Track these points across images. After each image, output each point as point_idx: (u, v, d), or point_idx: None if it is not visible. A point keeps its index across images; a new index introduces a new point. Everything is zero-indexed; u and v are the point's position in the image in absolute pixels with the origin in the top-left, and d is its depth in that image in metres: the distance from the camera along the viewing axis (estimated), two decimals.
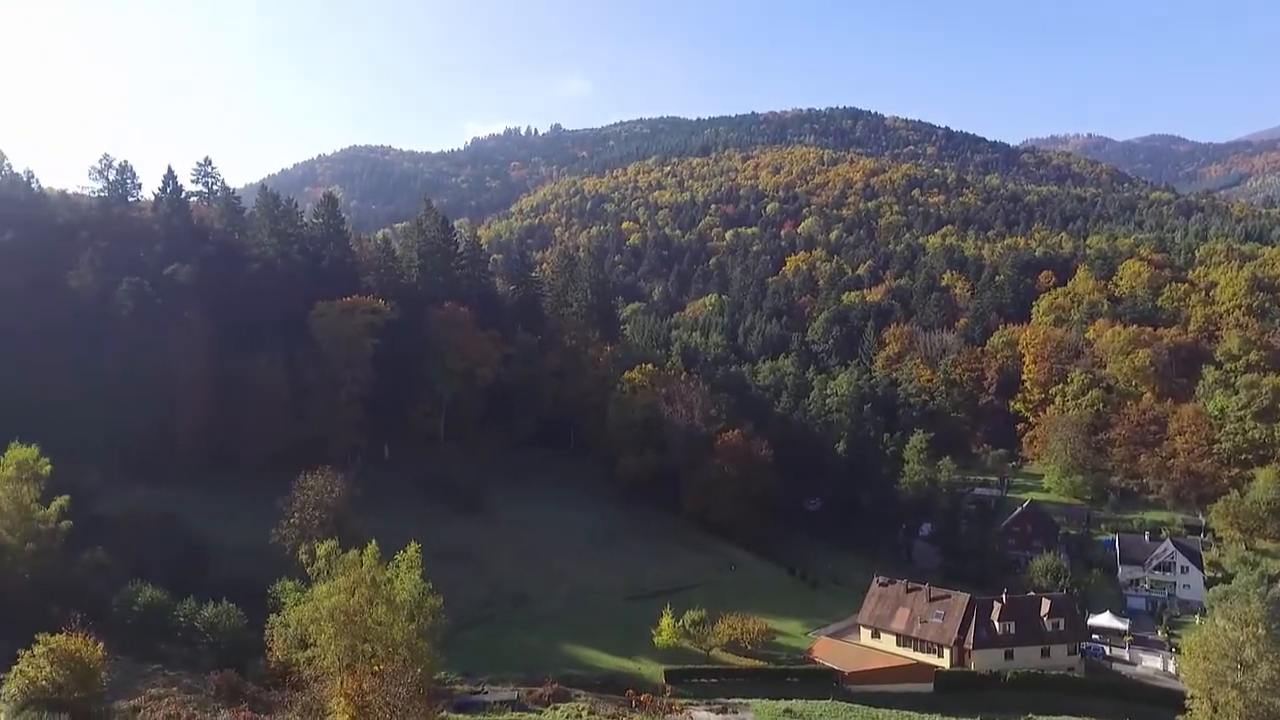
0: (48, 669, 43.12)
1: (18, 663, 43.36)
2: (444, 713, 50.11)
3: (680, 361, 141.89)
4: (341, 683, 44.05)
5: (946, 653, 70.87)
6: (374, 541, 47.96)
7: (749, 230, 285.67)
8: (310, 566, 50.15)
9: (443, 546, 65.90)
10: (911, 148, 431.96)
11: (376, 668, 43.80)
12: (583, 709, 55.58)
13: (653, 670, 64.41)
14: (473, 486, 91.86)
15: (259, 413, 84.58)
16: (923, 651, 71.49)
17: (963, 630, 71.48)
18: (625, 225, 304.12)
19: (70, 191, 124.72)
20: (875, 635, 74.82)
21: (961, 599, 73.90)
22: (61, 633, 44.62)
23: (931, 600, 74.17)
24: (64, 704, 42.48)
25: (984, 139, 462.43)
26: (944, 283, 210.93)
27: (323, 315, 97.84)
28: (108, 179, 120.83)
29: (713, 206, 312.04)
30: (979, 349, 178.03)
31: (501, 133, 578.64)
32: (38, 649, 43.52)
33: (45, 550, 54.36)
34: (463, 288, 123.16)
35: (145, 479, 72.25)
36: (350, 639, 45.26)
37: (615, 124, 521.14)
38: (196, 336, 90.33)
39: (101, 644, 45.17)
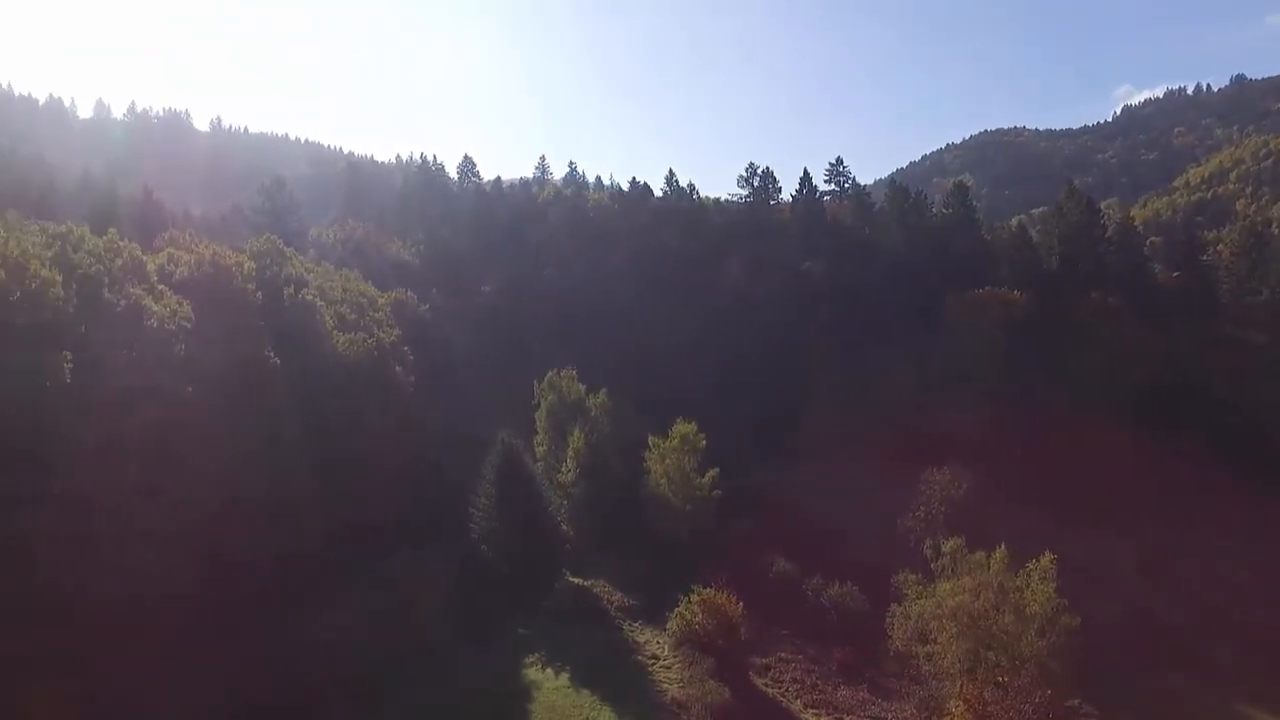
0: (700, 616, 52.56)
1: (678, 606, 53.85)
2: None
3: None
4: (961, 687, 44.31)
5: None
6: (1002, 545, 47.28)
7: None
8: (934, 562, 51.70)
9: (1072, 559, 61.10)
10: None
11: (1000, 679, 43.03)
12: None
13: None
14: (1114, 496, 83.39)
15: (883, 404, 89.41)
16: None
17: None
18: None
19: (723, 199, 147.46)
20: None
21: None
22: (710, 587, 54.01)
23: None
24: (711, 648, 51.27)
25: None
26: None
27: (952, 308, 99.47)
28: (752, 185, 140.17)
29: None
30: None
31: (1160, 95, 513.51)
32: (693, 598, 53.54)
33: (700, 513, 65.28)
34: (1111, 275, 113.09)
35: (778, 458, 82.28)
36: (973, 643, 45.22)
37: None
38: (826, 329, 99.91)
39: (742, 604, 53.44)
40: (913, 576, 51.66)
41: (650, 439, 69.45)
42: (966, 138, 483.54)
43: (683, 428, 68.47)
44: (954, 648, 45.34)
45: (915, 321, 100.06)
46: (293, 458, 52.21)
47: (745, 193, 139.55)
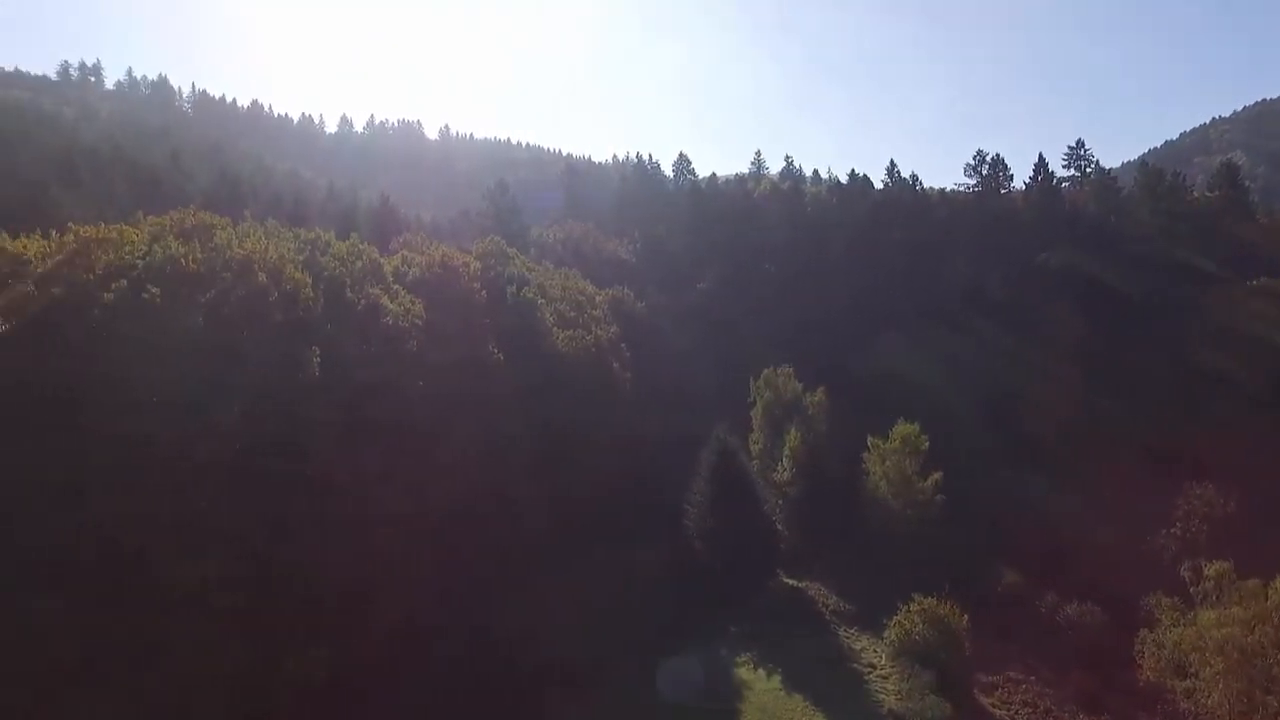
0: (920, 626, 50.19)
1: (897, 614, 51.72)
2: None
3: None
4: None
5: None
6: None
7: None
8: (1194, 586, 46.77)
9: None
10: None
11: None
12: None
13: None
14: None
15: (1129, 409, 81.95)
16: None
17: None
18: None
19: (948, 190, 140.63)
20: None
21: None
22: (931, 596, 51.47)
23: None
24: (932, 660, 48.72)
25: None
26: None
27: (1215, 303, 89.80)
28: (980, 173, 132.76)
29: None
30: None
31: None
32: (913, 606, 51.25)
33: (922, 518, 62.37)
34: None
35: (1009, 465, 77.13)
36: (1245, 683, 40.46)
37: None
38: (1064, 324, 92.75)
39: (966, 616, 50.56)
40: (1167, 601, 46.90)
41: (869, 439, 67.32)
42: (1238, 110, 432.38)
43: (904, 428, 65.86)
44: (1221, 686, 40.72)
45: (1169, 319, 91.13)
46: (514, 450, 54.64)
47: (973, 182, 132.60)
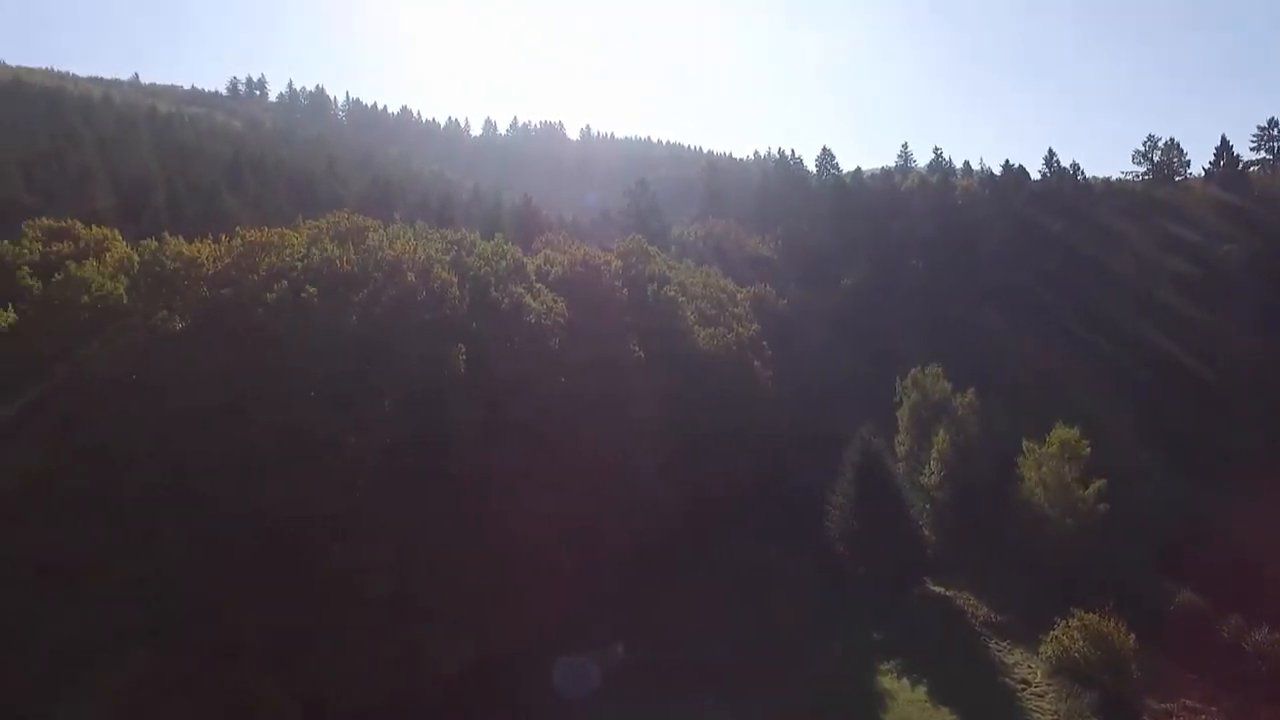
0: (1081, 643, 47.52)
1: (1054, 629, 49.13)
2: None
3: None
4: None
5: None
6: None
7: None
8: None
9: None
10: None
11: None
12: None
13: None
14: None
15: None
16: None
17: None
18: None
19: (1114, 178, 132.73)
20: None
21: None
22: (1092, 611, 48.58)
23: None
24: (1093, 681, 45.97)
25: None
26: None
27: None
28: (1151, 160, 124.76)
29: None
30: None
31: None
32: (1073, 622, 48.57)
33: (1082, 528, 58.93)
34: None
35: (1183, 475, 71.90)
36: None
37: None
38: (1251, 326, 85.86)
39: (1133, 635, 47.41)
40: None
41: (1024, 443, 64.24)
42: None
43: (1063, 432, 62.51)
44: None
45: None
46: (653, 448, 54.98)
47: (1142, 170, 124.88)
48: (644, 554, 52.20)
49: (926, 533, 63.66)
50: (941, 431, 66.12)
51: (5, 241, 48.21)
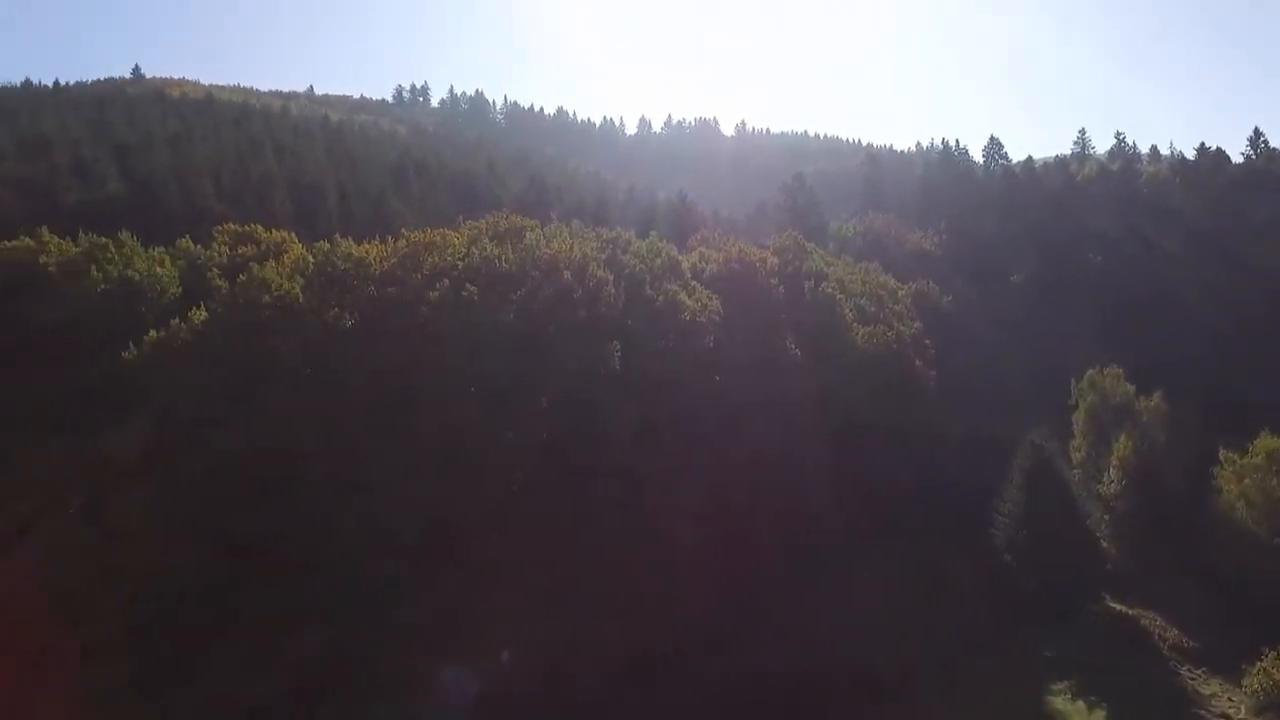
0: None
1: (1261, 659, 45.18)
2: None
3: None
4: None
5: None
6: None
7: None
8: None
9: None
10: None
11: None
12: None
13: None
14: None
15: None
16: None
17: None
18: None
19: None
20: None
21: None
22: None
23: None
24: None
25: None
26: None
27: None
28: None
29: None
30: None
31: None
32: None
33: None
34: None
35: None
36: None
37: None
38: None
39: None
40: None
41: (1221, 453, 59.69)
42: None
43: (1271, 442, 57.74)
44: None
45: None
46: (810, 449, 54.29)
47: None
48: (799, 556, 51.51)
49: (1104, 545, 60.03)
50: (1123, 437, 62.22)
51: (199, 246, 52.63)
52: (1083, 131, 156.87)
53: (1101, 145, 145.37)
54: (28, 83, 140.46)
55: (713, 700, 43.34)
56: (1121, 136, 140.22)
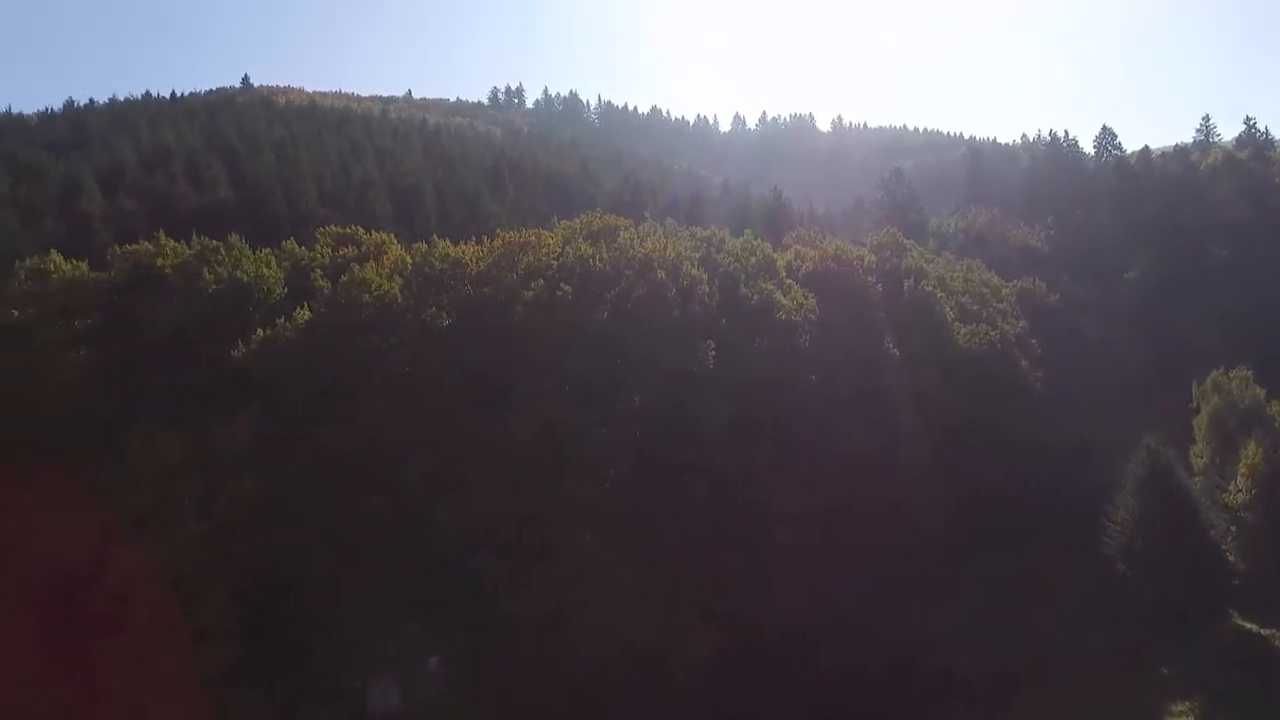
0: None
1: None
2: None
3: None
4: None
5: None
6: None
7: None
8: None
9: None
10: None
11: None
12: None
13: None
14: None
15: None
16: None
17: None
18: None
19: None
20: None
21: None
22: None
23: None
24: None
25: None
26: None
27: None
28: None
29: None
30: None
31: None
32: None
33: None
34: None
35: None
36: None
37: None
38: None
39: None
40: None
41: None
42: None
43: None
44: None
45: None
46: (910, 451, 53.02)
47: None
48: (896, 558, 50.34)
49: (1230, 558, 56.84)
50: (1253, 443, 58.71)
51: (303, 248, 54.48)
52: (1206, 118, 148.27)
53: (1228, 133, 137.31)
54: (147, 94, 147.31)
55: (803, 699, 42.89)
56: (1251, 122, 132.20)
